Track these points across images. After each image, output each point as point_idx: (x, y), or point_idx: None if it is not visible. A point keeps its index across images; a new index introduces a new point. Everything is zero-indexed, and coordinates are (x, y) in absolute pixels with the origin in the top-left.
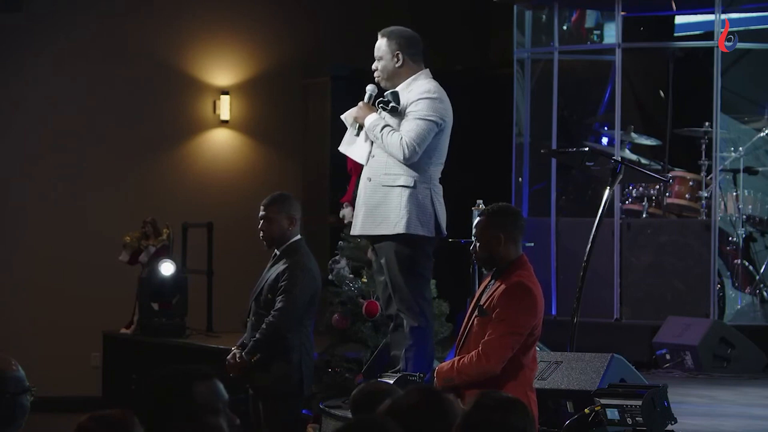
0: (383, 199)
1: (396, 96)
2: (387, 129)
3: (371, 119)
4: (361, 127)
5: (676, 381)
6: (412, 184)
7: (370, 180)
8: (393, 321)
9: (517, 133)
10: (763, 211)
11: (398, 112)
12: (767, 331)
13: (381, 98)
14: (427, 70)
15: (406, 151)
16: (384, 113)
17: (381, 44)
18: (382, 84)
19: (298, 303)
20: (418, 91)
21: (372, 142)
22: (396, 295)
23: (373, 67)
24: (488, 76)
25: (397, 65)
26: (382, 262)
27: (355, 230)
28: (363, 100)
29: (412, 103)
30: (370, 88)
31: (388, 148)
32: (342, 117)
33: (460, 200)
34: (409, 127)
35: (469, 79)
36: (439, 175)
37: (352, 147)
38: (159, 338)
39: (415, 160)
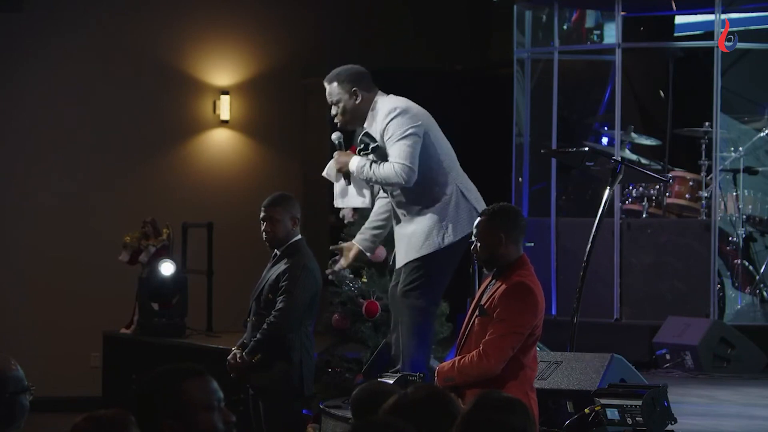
0: (418, 225)
1: (369, 135)
2: (375, 164)
3: (355, 163)
4: (347, 175)
5: (676, 381)
6: (440, 199)
7: (396, 210)
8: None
9: (517, 133)
10: (763, 211)
11: (379, 147)
12: (767, 331)
13: (360, 147)
14: (378, 91)
15: (403, 175)
16: (369, 155)
17: (332, 90)
18: (347, 126)
19: (298, 303)
20: (382, 117)
21: (370, 186)
22: (401, 290)
23: (333, 112)
24: (488, 76)
25: (357, 102)
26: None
27: (400, 263)
28: (336, 150)
29: (383, 130)
30: (335, 136)
31: (385, 181)
32: (324, 174)
33: None
34: (395, 152)
35: (469, 79)
36: (454, 163)
37: (348, 198)
38: (159, 338)
39: (415, 178)
